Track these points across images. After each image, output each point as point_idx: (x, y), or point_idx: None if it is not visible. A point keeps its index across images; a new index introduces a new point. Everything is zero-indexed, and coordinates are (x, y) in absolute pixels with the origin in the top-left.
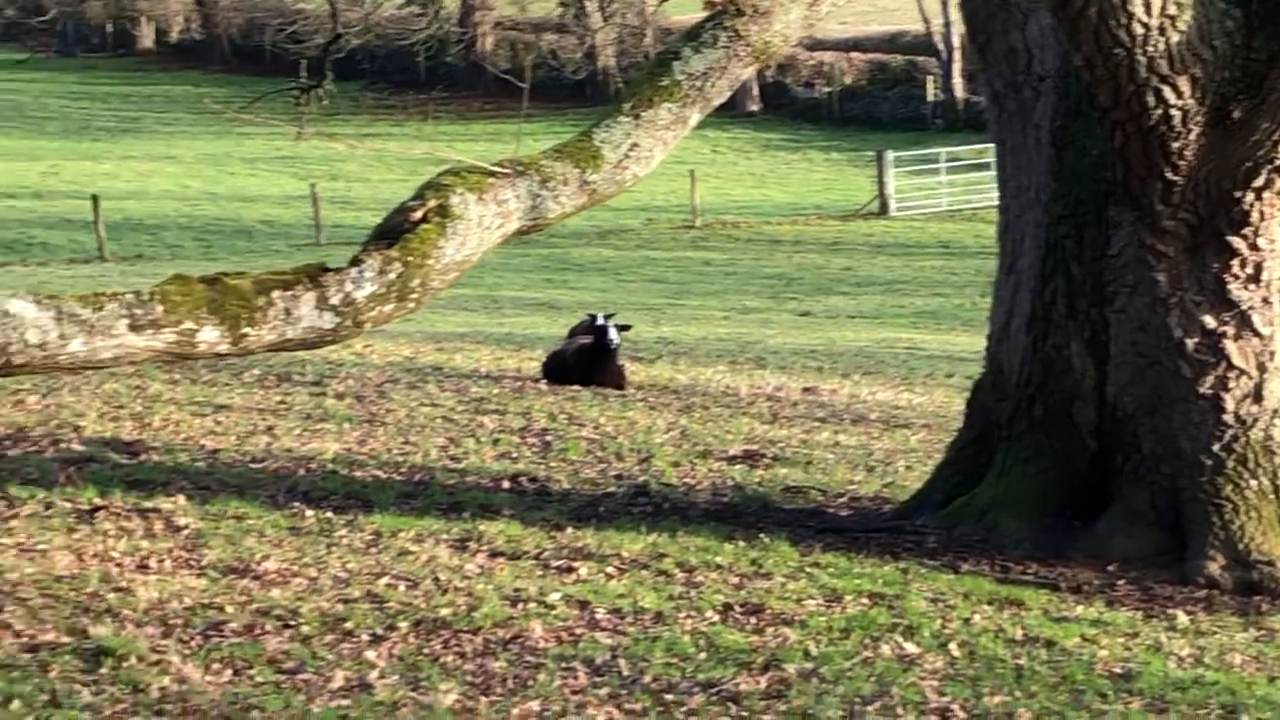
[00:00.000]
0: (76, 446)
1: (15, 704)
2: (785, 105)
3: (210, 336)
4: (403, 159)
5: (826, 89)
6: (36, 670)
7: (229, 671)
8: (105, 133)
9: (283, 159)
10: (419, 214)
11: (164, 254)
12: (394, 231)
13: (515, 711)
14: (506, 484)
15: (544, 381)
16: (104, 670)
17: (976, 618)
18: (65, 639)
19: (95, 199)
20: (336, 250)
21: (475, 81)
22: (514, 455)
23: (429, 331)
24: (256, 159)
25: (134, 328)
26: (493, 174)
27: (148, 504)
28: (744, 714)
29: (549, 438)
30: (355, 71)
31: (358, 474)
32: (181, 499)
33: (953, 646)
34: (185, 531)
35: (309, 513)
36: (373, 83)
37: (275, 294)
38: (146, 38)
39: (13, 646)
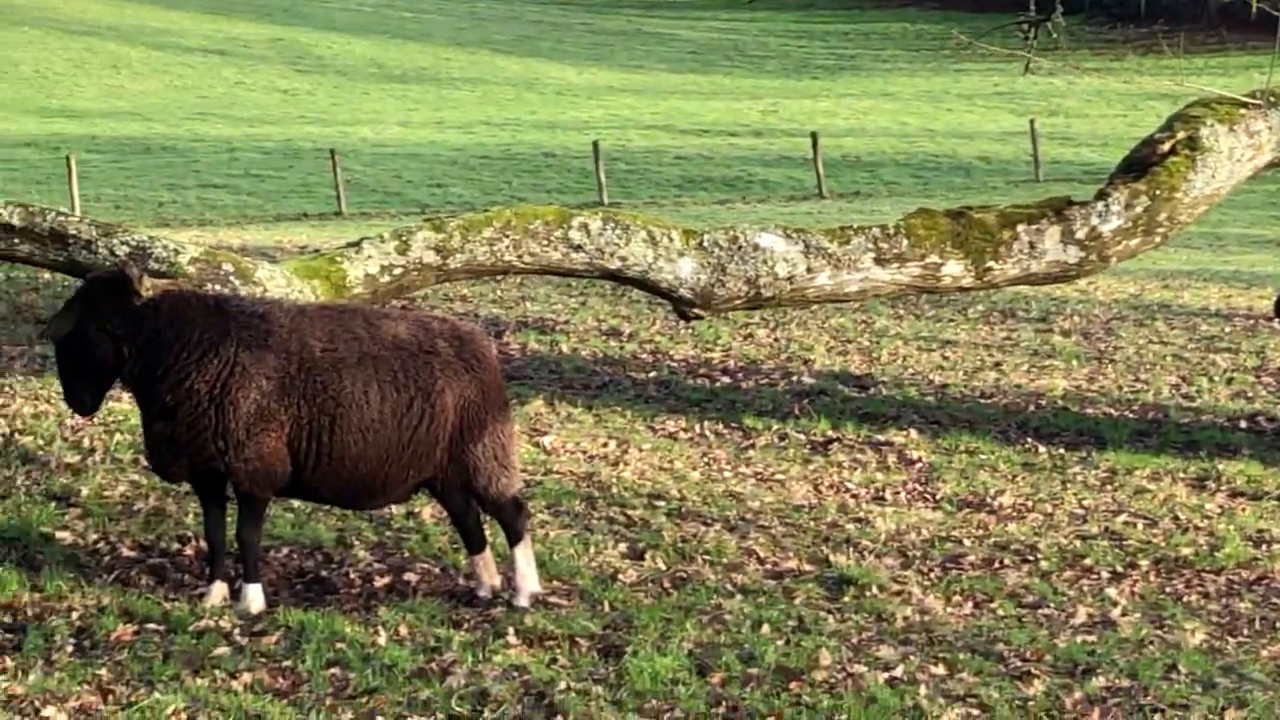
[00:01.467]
0: (807, 379)
1: (765, 628)
2: None
3: (954, 270)
4: (1125, 94)
5: None
6: (782, 596)
7: (969, 604)
8: (823, 70)
9: (1000, 95)
10: (1167, 146)
11: (881, 191)
12: (1141, 164)
13: (1264, 653)
14: (1244, 423)
15: (1277, 320)
16: (846, 598)
17: None
18: (807, 567)
19: (814, 136)
20: (1055, 187)
21: (1197, 14)
22: (1249, 394)
23: (1153, 268)
24: (974, 95)
25: (879, 261)
26: (1244, 105)
27: (880, 437)
28: None
29: None
30: (1073, 5)
31: (1088, 411)
32: (913, 433)
33: None
34: (918, 465)
35: (1041, 449)
36: (1090, 16)
37: (1020, 227)
38: None
39: (757, 573)
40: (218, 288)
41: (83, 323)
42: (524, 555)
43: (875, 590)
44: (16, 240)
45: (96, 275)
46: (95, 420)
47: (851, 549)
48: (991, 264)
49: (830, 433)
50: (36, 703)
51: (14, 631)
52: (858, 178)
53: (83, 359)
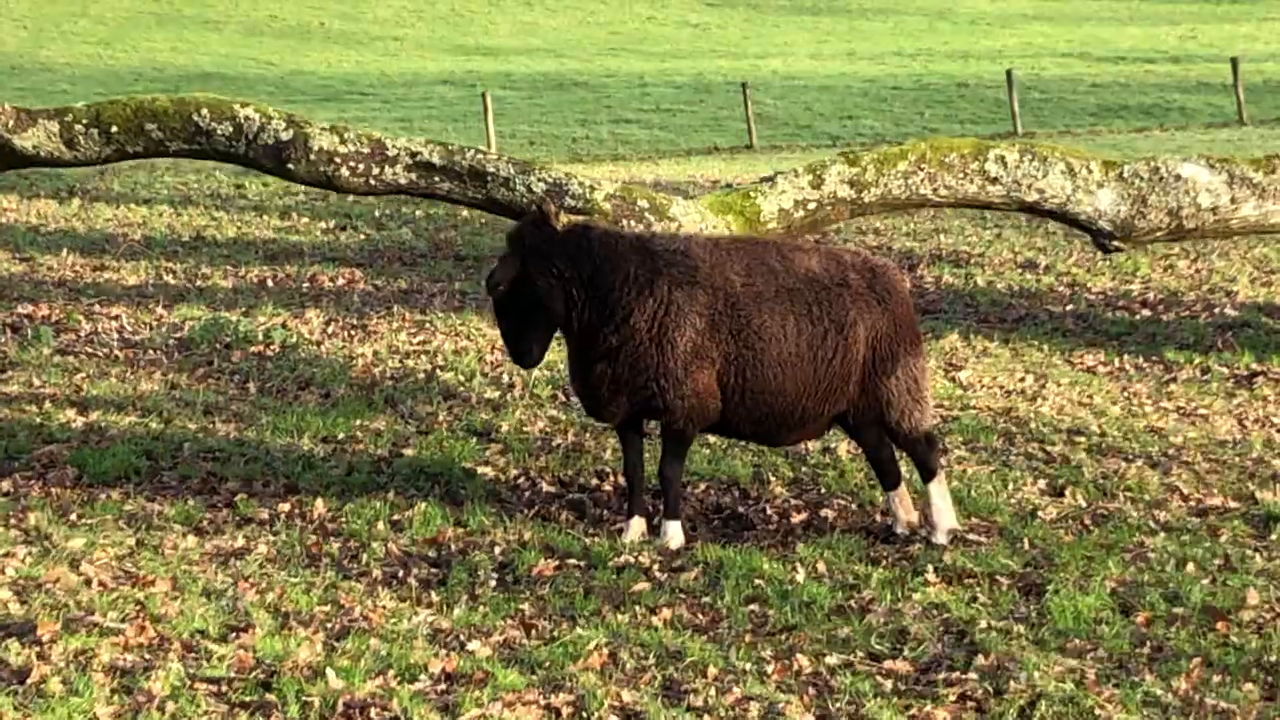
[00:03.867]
0: (1230, 311)
1: (1190, 567)
2: None
3: None
4: None
5: None
6: (1206, 534)
7: None
8: None
9: None
10: None
11: None
12: None
13: None
14: None
15: None
16: (1274, 536)
17: None
18: (1232, 504)
19: (1234, 62)
20: None
21: None
22: None
23: None
24: None
25: None
26: None
27: None
28: None
29: None
30: None
31: None
32: None
33: None
34: None
35: None
36: None
37: None
38: None
39: (1180, 510)
40: (633, 224)
41: (527, 267)
42: (939, 491)
43: None
44: (437, 178)
45: (527, 220)
46: None
47: (1279, 485)
48: None
49: (1255, 366)
50: (462, 636)
51: (439, 566)
52: None
53: (531, 305)
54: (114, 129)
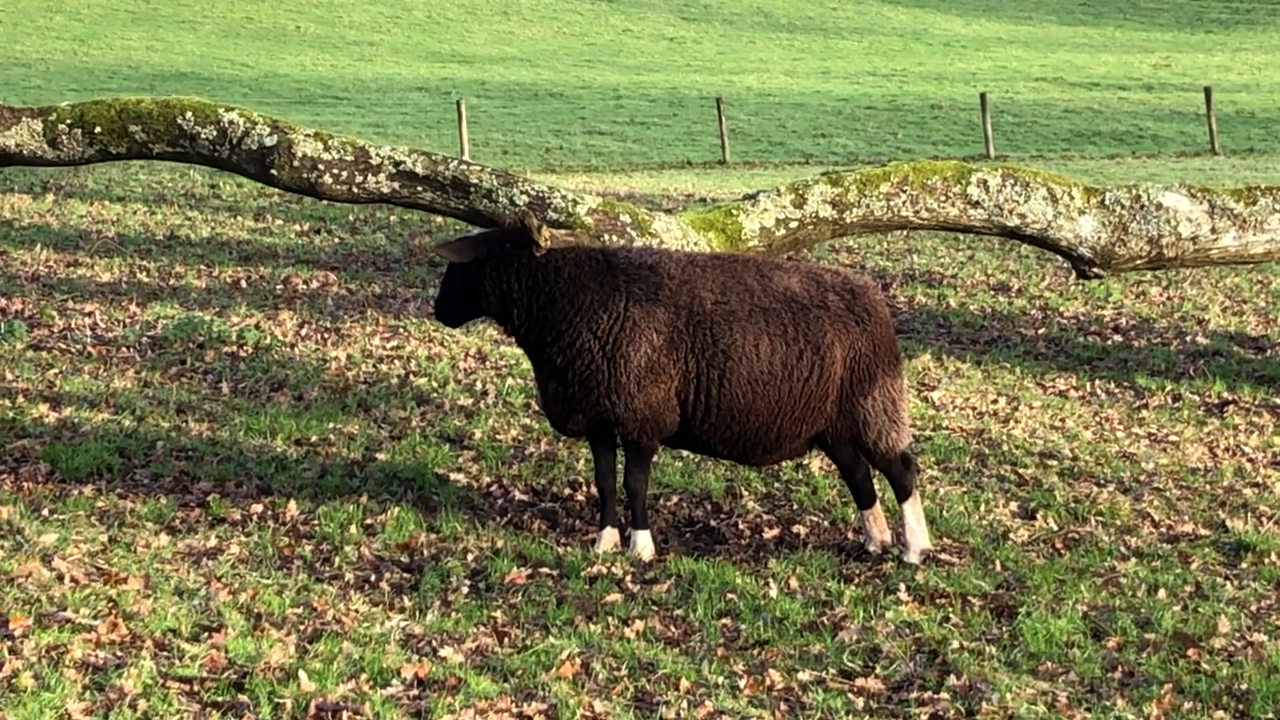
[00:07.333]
0: (1201, 340)
1: (1161, 593)
2: None
3: None
4: None
5: None
6: (1177, 561)
7: None
8: (1217, 24)
9: None
10: None
11: (1275, 148)
12: None
13: None
14: None
15: None
16: (1244, 565)
17: None
18: (1203, 531)
19: (1207, 91)
20: None
21: None
22: None
23: None
24: None
25: None
26: None
27: (1278, 400)
28: None
29: None
30: None
31: None
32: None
33: None
34: None
35: None
36: None
37: None
38: None
39: (1152, 536)
40: (614, 239)
41: (481, 266)
42: (913, 511)
43: (1274, 557)
44: (420, 188)
45: (509, 228)
46: (486, 364)
47: (1249, 514)
48: None
49: (1226, 395)
50: (434, 642)
51: (411, 571)
52: (1251, 134)
53: (466, 292)
54: (98, 129)
